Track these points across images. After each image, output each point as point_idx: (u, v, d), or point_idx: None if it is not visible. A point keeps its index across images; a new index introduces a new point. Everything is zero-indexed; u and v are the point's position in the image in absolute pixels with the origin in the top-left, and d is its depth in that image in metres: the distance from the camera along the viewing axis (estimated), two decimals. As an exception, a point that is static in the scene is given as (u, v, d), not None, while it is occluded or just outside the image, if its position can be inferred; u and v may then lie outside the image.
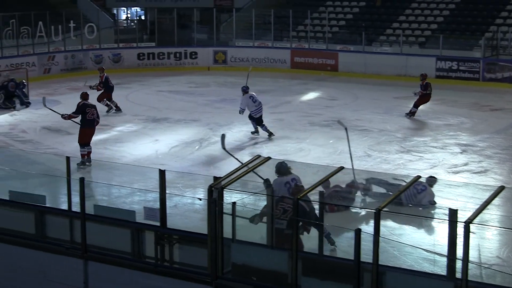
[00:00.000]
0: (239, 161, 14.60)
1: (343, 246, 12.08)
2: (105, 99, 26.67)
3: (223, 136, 16.05)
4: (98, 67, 28.51)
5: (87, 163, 19.21)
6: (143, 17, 51.94)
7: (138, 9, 52.20)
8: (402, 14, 39.42)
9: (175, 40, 38.54)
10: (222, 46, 39.20)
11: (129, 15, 52.61)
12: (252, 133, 23.16)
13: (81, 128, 20.00)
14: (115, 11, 50.85)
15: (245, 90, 23.06)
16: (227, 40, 40.44)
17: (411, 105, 26.26)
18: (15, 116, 26.13)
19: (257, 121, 22.89)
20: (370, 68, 35.39)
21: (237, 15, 40.39)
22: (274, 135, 22.83)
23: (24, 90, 28.06)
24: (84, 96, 20.26)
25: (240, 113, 23.23)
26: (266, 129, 22.80)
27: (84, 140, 19.68)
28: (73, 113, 20.19)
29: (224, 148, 16.27)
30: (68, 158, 13.67)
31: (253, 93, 23.20)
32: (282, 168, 13.83)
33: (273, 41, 38.24)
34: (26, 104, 27.74)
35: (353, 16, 40.64)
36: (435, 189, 15.40)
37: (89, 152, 19.76)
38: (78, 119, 20.02)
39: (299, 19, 39.49)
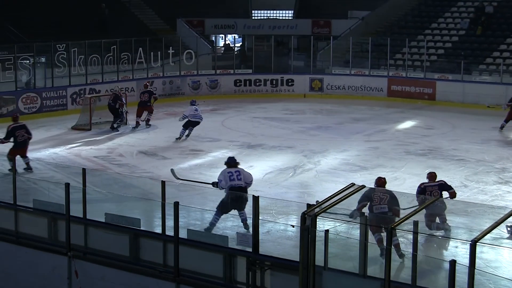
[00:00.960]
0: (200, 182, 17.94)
1: (438, 278, 11.84)
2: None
3: (172, 171, 19.18)
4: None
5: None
6: (239, 44, 52.45)
7: (236, 36, 52.74)
8: (503, 42, 38.74)
9: (272, 67, 38.72)
10: (319, 73, 39.16)
11: (228, 42, 53.16)
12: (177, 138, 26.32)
13: (13, 149, 20.94)
14: (213, 38, 51.50)
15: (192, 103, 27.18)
16: (324, 68, 40.42)
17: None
18: (113, 140, 26.61)
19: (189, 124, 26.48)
20: (468, 98, 34.82)
21: (335, 42, 40.35)
22: (183, 139, 26.25)
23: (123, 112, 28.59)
24: (14, 118, 21.63)
25: (180, 120, 26.81)
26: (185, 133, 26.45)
27: (13, 155, 20.07)
28: (4, 138, 21.19)
29: (178, 178, 18.75)
30: (163, 182, 13.83)
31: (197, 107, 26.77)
32: (231, 161, 16.31)
33: (370, 69, 38.05)
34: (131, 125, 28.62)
35: (452, 45, 40.15)
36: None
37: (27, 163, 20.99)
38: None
39: (397, 47, 39.25)
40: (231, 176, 15.89)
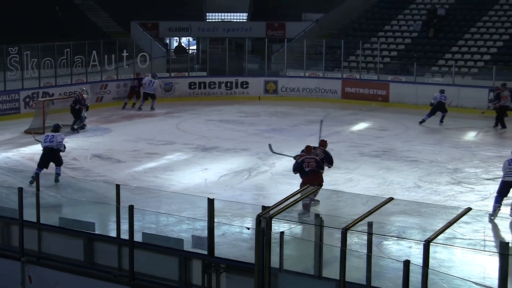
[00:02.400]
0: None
1: (392, 277, 11.94)
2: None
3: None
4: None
5: None
6: (194, 47, 52.42)
7: (191, 38, 52.68)
8: (454, 45, 39.20)
9: (227, 70, 38.73)
10: (273, 76, 39.26)
11: (182, 44, 53.03)
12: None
13: None
14: (167, 41, 51.38)
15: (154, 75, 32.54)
16: (278, 70, 40.54)
17: (465, 136, 26.18)
18: (66, 143, 26.38)
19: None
20: (422, 99, 35.13)
21: (289, 45, 40.49)
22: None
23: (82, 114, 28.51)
24: None
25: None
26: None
27: None
28: None
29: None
30: (118, 186, 13.79)
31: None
32: (54, 127, 21.06)
33: (324, 71, 38.22)
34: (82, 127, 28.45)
35: (405, 47, 40.50)
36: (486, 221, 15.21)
37: None
38: None
39: (350, 49, 39.50)
40: (45, 139, 20.64)
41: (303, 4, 49.16)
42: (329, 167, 19.06)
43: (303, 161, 18.05)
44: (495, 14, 40.70)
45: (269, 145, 21.80)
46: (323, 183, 18.16)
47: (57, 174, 20.07)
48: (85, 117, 28.66)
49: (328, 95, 37.54)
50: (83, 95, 28.87)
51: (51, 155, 20.35)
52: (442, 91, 30.72)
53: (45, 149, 20.48)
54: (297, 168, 18.21)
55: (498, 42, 38.47)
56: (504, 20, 39.94)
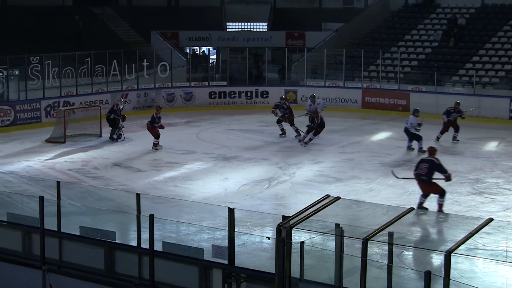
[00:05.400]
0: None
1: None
2: None
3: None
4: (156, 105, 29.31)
5: None
6: (214, 56, 52.48)
7: (211, 48, 52.76)
8: (475, 54, 39.03)
9: (247, 79, 38.74)
10: (293, 85, 39.28)
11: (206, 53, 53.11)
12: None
13: None
14: (188, 50, 51.49)
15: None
16: (298, 80, 40.53)
17: (487, 146, 26.01)
18: (87, 152, 26.51)
19: None
20: (442, 109, 34.92)
21: (309, 54, 40.47)
22: None
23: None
24: None
25: None
26: None
27: None
28: None
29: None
30: (138, 195, 13.81)
31: None
32: None
33: (344, 81, 38.19)
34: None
35: (426, 57, 40.39)
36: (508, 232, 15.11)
37: None
38: None
39: (370, 59, 39.42)
40: None
41: (322, 14, 49.17)
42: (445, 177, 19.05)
43: (418, 164, 19.10)
44: (516, 23, 40.56)
45: (392, 171, 22.01)
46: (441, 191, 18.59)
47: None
48: (123, 127, 28.81)
49: (348, 104, 37.48)
50: (119, 105, 29.06)
51: None
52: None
53: None
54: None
55: (519, 52, 38.31)
56: (525, 30, 39.79)
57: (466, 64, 38.51)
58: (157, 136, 27.03)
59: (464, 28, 41.01)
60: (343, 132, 30.80)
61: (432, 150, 19.29)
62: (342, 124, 32.84)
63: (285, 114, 29.74)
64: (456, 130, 28.91)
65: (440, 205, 18.30)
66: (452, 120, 28.87)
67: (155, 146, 26.94)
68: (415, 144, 26.79)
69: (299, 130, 29.14)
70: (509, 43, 39.00)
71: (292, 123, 29.78)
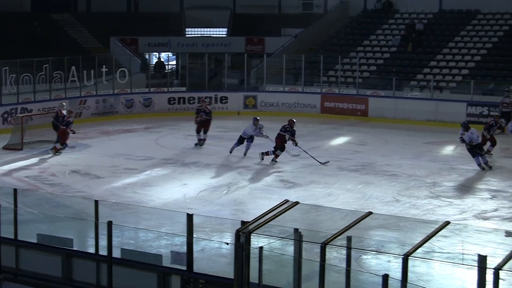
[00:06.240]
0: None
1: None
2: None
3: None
4: None
5: None
6: (174, 62, 52.37)
7: (170, 54, 52.65)
8: (433, 59, 39.40)
9: (206, 85, 38.72)
10: (253, 91, 39.32)
11: (162, 60, 52.95)
12: None
13: None
14: (147, 56, 51.34)
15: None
16: (258, 85, 40.58)
17: (444, 150, 26.23)
18: (44, 159, 26.27)
19: None
20: (401, 114, 35.32)
21: (268, 60, 40.51)
22: None
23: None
24: None
25: None
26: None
27: None
28: None
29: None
30: (96, 202, 13.74)
31: None
32: None
33: (303, 86, 38.34)
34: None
35: (384, 62, 40.68)
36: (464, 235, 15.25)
37: None
38: None
39: (330, 64, 39.56)
40: None
41: (282, 19, 49.30)
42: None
43: None
44: (472, 29, 40.97)
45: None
46: None
47: None
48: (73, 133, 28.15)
49: (307, 109, 37.60)
50: (62, 111, 28.64)
51: None
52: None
53: None
54: None
55: (476, 57, 38.70)
56: (482, 35, 40.19)
57: (424, 69, 38.87)
58: (63, 142, 26.80)
59: (422, 33, 41.39)
60: (302, 137, 30.72)
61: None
62: (301, 129, 32.73)
63: (205, 119, 28.97)
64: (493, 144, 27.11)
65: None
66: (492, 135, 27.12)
67: (56, 150, 26.65)
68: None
69: (203, 141, 28.82)
70: (466, 48, 39.43)
71: (206, 130, 29.05)
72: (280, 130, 26.05)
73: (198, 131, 28.98)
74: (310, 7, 50.39)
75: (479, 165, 24.42)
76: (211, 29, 51.42)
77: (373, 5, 45.59)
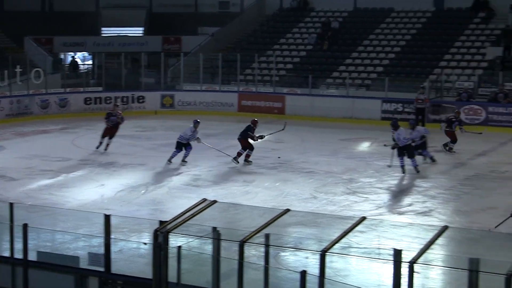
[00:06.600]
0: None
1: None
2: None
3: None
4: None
5: None
6: (90, 62, 51.84)
7: (86, 53, 52.09)
8: (348, 57, 39.91)
9: (123, 84, 38.43)
10: (170, 90, 39.20)
11: (76, 59, 52.37)
12: None
13: None
14: (62, 56, 50.69)
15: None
16: (175, 84, 40.47)
17: (360, 146, 26.52)
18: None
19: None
20: (317, 111, 35.65)
21: (185, 59, 40.45)
22: None
23: None
24: None
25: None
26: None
27: None
28: None
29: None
30: (11, 204, 13.54)
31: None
32: None
33: (220, 85, 38.39)
34: None
35: (300, 60, 41.00)
36: (380, 230, 15.48)
37: None
38: None
39: (247, 62, 39.71)
40: None
41: (199, 18, 49.28)
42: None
43: None
44: (386, 27, 41.65)
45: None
46: None
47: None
48: None
49: (224, 108, 37.69)
50: None
51: None
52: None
53: None
54: None
55: (390, 54, 39.35)
56: (396, 33, 40.91)
57: (340, 66, 39.35)
58: None
59: (337, 31, 41.84)
60: (220, 135, 30.89)
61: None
62: (218, 127, 32.91)
63: (114, 125, 27.86)
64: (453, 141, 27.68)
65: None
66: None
67: None
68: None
69: (107, 146, 27.71)
70: (380, 46, 40.05)
71: (112, 136, 27.85)
72: (248, 131, 25.87)
73: (103, 135, 27.79)
74: (226, 5, 50.48)
75: (401, 166, 23.85)
76: (128, 29, 51.12)
77: (289, 3, 46.00)
